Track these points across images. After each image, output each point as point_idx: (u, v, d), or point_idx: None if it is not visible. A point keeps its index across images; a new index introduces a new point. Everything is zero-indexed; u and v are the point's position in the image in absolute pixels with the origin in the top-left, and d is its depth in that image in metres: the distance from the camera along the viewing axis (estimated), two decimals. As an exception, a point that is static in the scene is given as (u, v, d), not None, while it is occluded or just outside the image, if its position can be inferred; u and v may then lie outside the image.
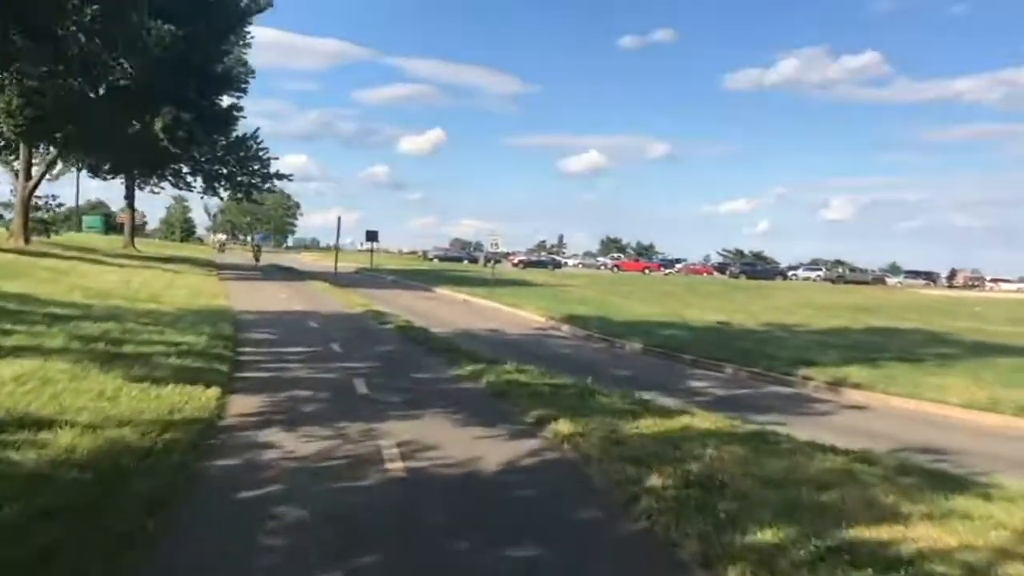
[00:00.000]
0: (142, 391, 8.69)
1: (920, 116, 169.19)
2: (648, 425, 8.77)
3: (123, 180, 45.28)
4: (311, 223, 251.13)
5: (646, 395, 12.08)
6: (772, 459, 7.51)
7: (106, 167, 42.72)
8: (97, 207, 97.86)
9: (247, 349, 13.70)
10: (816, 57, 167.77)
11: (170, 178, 47.10)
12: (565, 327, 22.84)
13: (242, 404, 9.21)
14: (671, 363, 17.49)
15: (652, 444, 7.82)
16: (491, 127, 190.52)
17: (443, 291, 34.93)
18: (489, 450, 7.70)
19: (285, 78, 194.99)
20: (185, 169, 46.14)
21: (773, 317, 28.13)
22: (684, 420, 9.28)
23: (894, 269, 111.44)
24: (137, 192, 48.27)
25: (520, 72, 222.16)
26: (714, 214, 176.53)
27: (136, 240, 47.65)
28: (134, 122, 31.71)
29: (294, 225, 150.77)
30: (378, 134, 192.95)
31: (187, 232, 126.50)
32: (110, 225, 77.73)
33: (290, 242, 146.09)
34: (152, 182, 47.85)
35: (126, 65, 28.28)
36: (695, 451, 7.56)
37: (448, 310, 26.78)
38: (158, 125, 31.49)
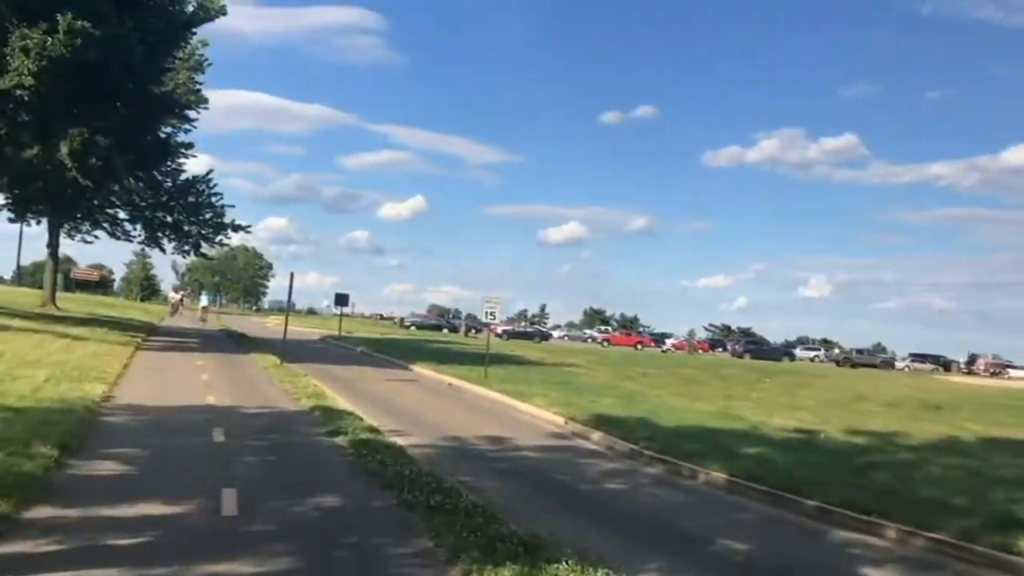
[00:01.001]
0: None
1: (896, 198, 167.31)
2: None
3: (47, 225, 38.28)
4: (287, 285, 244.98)
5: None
6: None
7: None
8: (64, 263, 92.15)
9: (39, 516, 6.93)
10: (795, 138, 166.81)
11: (105, 225, 40.16)
12: (596, 435, 16.17)
13: None
14: (787, 514, 10.92)
15: None
16: (472, 196, 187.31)
17: (423, 370, 28.16)
18: None
19: (268, 141, 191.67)
20: (122, 215, 39.39)
21: (848, 419, 21.66)
22: None
23: (879, 349, 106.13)
24: (76, 244, 41.90)
25: (502, 143, 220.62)
26: (692, 288, 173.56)
27: (92, 297, 40.74)
28: (31, 144, 24.90)
29: (266, 286, 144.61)
30: (360, 199, 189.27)
31: (150, 290, 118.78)
32: (73, 281, 72.78)
33: (265, 304, 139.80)
34: (84, 228, 40.76)
35: (18, 66, 21.63)
36: None
37: (431, 402, 20.02)
38: (64, 150, 24.60)
